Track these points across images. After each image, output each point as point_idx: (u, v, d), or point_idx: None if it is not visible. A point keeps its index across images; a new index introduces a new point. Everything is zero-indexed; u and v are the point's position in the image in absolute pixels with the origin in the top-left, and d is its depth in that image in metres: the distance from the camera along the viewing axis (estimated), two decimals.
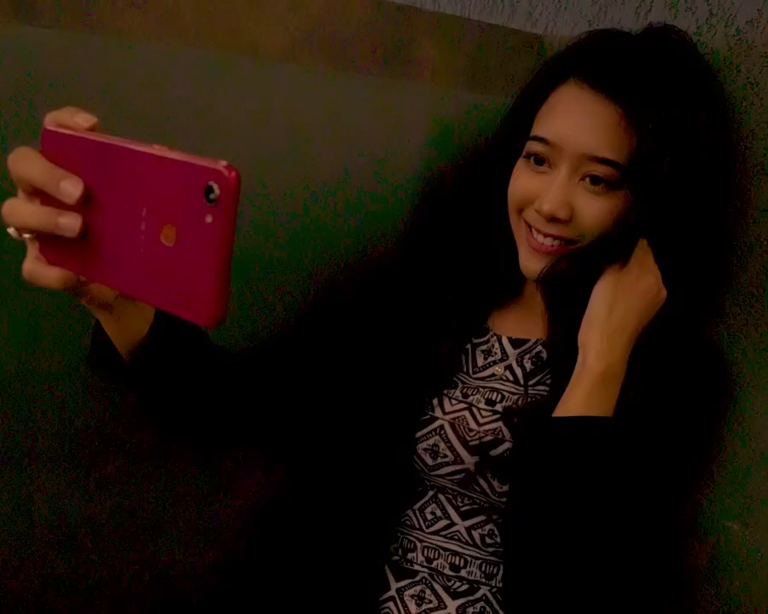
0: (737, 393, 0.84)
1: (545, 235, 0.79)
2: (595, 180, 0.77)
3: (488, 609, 0.81)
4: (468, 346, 0.88)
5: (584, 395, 0.72)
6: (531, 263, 0.81)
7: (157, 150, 0.48)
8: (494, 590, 0.82)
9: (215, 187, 0.44)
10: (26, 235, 0.54)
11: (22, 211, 0.52)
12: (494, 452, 0.79)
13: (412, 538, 0.85)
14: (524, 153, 0.82)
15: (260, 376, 0.85)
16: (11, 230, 0.54)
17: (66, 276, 0.54)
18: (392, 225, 1.04)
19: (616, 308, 0.74)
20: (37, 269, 0.54)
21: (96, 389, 0.94)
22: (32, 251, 0.55)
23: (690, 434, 0.80)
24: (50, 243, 0.54)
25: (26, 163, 0.52)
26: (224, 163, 0.44)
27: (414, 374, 0.85)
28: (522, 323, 0.88)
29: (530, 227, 0.81)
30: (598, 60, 0.78)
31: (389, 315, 0.90)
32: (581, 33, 0.85)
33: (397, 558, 0.85)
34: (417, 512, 0.86)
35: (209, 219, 0.44)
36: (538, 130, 0.81)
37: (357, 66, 1.02)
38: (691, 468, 0.83)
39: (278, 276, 0.99)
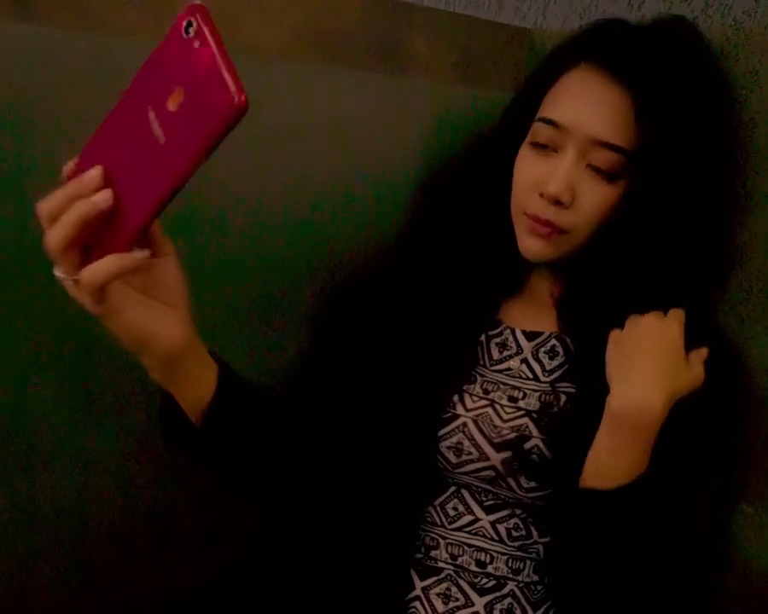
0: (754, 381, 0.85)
1: (543, 223, 0.79)
2: (601, 165, 0.77)
3: (516, 605, 0.81)
4: (483, 339, 0.87)
5: (611, 444, 0.73)
6: (527, 242, 0.81)
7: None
8: (521, 585, 0.82)
9: (190, 21, 0.49)
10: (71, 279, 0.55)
11: (59, 231, 0.54)
12: (521, 449, 0.79)
13: (435, 535, 0.84)
14: (529, 138, 0.82)
15: (309, 411, 0.85)
16: (60, 274, 0.56)
17: (115, 260, 0.54)
18: (388, 219, 1.04)
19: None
20: (91, 274, 0.54)
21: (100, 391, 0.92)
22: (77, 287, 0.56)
23: (712, 427, 0.81)
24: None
25: (50, 198, 0.54)
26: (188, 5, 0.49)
27: (432, 371, 0.84)
28: (532, 315, 0.88)
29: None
30: (610, 46, 0.78)
31: (399, 315, 0.89)
32: (591, 21, 0.85)
33: (420, 555, 0.84)
34: (439, 508, 0.85)
35: (197, 44, 0.49)
36: (547, 112, 0.80)
37: (352, 63, 1.02)
38: (716, 461, 0.84)
39: (275, 273, 0.98)
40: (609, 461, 0.73)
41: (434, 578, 0.83)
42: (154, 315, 0.60)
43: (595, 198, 0.78)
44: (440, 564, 0.83)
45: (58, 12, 0.81)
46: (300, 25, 0.96)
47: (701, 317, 0.82)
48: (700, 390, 0.75)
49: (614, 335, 0.77)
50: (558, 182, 0.77)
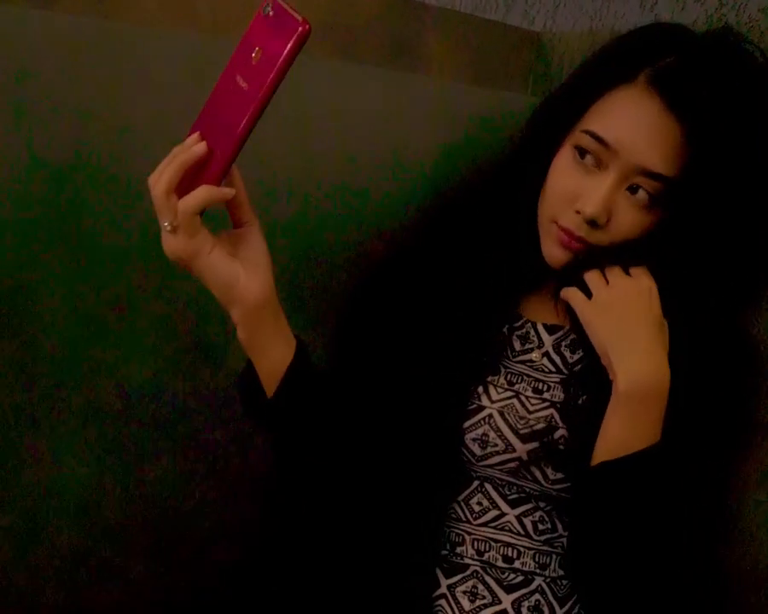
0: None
1: (576, 239, 0.78)
2: (641, 194, 0.76)
3: (543, 601, 0.80)
4: (505, 331, 0.87)
5: (623, 422, 0.73)
6: (554, 251, 0.80)
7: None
8: (548, 580, 0.81)
9: (265, 5, 0.64)
10: (170, 226, 0.66)
11: (163, 177, 0.65)
12: (548, 439, 0.78)
13: (460, 531, 0.83)
14: (574, 143, 0.79)
15: (350, 400, 0.86)
16: (164, 222, 0.66)
17: (206, 189, 0.65)
18: (400, 214, 1.03)
19: (618, 327, 0.75)
20: (187, 200, 0.65)
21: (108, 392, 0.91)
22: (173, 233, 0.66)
23: (730, 421, 0.81)
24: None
25: (159, 177, 0.65)
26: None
27: (457, 363, 0.83)
28: (552, 310, 0.87)
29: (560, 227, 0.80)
30: (672, 73, 0.75)
31: (421, 309, 0.88)
32: (647, 27, 0.83)
33: (445, 552, 0.83)
34: (463, 504, 0.84)
35: (272, 13, 0.64)
36: (596, 126, 0.77)
37: (366, 59, 1.02)
38: (733, 451, 0.84)
39: (285, 265, 0.98)
40: (623, 436, 0.73)
41: (460, 575, 0.81)
42: (238, 264, 0.70)
43: (631, 221, 0.77)
44: (466, 561, 0.82)
45: (78, 1, 0.80)
46: (316, 22, 0.96)
47: (732, 325, 0.83)
48: (725, 388, 0.77)
49: (584, 300, 0.78)
50: (597, 204, 0.76)
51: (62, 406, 0.89)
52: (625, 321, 0.75)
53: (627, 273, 0.78)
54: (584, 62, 0.84)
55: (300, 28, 0.61)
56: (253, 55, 0.64)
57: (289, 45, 0.61)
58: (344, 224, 1.00)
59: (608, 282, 0.78)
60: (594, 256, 0.79)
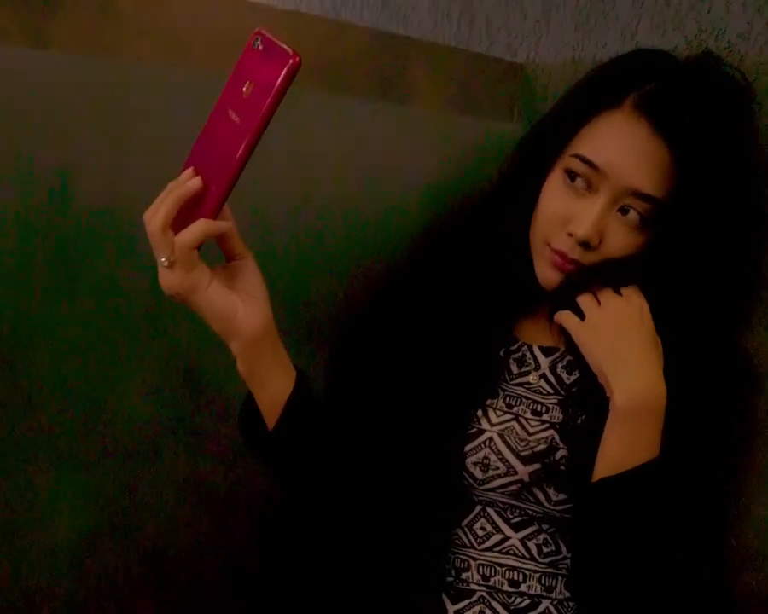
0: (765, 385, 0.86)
1: (570, 261, 0.79)
2: (632, 215, 0.78)
3: None
4: (502, 354, 0.87)
5: (621, 438, 0.74)
6: (548, 273, 0.82)
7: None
8: (555, 602, 0.80)
9: (254, 40, 0.65)
10: (167, 261, 0.66)
11: (159, 213, 0.65)
12: (550, 460, 0.79)
13: (465, 557, 0.83)
14: (564, 166, 0.81)
15: (350, 429, 0.86)
16: (160, 257, 0.66)
17: (202, 223, 0.66)
18: (392, 244, 1.04)
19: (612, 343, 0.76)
20: (184, 235, 0.65)
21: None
22: (170, 269, 0.67)
23: (722, 435, 0.82)
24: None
25: (155, 212, 0.66)
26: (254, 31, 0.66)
27: (456, 387, 0.83)
28: (546, 332, 0.88)
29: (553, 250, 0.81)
30: (658, 97, 0.77)
31: (417, 335, 0.88)
32: (631, 54, 0.85)
33: (451, 579, 0.82)
34: (467, 529, 0.83)
35: (261, 47, 0.65)
36: (585, 150, 0.79)
37: (355, 92, 1.03)
38: (731, 467, 0.85)
39: (276, 294, 0.98)
40: (622, 452, 0.74)
41: (467, 601, 0.81)
42: (236, 296, 0.70)
43: (622, 242, 0.79)
44: (472, 587, 0.81)
45: (73, 41, 0.81)
46: (305, 56, 0.98)
47: (727, 342, 0.84)
48: (720, 404, 0.77)
49: (577, 323, 0.79)
50: (589, 226, 0.77)
51: (60, 447, 0.88)
52: (618, 339, 0.76)
53: (618, 293, 0.79)
54: (571, 89, 0.86)
55: (291, 60, 0.62)
56: (245, 88, 0.65)
57: (281, 77, 0.62)
58: (335, 254, 1.01)
59: (599, 303, 0.79)
60: (586, 278, 0.80)
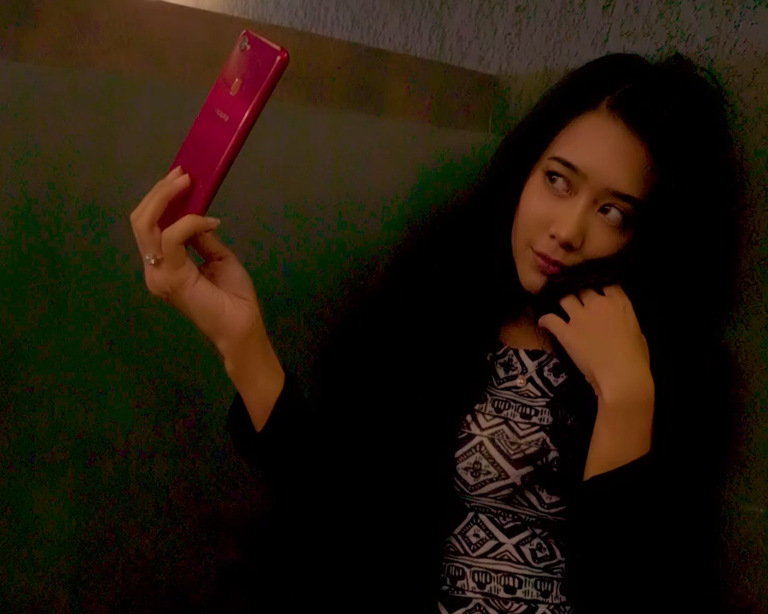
0: (751, 383, 0.87)
1: (552, 263, 0.80)
2: (613, 214, 0.79)
3: None
4: (488, 358, 0.87)
5: (612, 435, 0.74)
6: (531, 277, 0.82)
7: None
8: (552, 607, 0.80)
9: (242, 40, 0.66)
10: (153, 259, 0.66)
11: (147, 210, 0.65)
12: (542, 462, 0.78)
13: (459, 565, 0.81)
14: (544, 169, 0.81)
15: (339, 435, 0.85)
16: (147, 256, 0.66)
17: (190, 218, 0.65)
18: (372, 252, 1.04)
19: (596, 342, 0.77)
20: (171, 231, 0.65)
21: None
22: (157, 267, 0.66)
23: (710, 430, 0.82)
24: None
25: (141, 213, 0.66)
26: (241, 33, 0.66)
27: (444, 393, 0.83)
28: (532, 336, 0.88)
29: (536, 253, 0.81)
30: (633, 97, 0.78)
31: (403, 343, 0.88)
32: (605, 57, 0.87)
33: (446, 587, 0.81)
34: (460, 536, 0.82)
35: (249, 47, 0.65)
36: (563, 153, 0.80)
37: (333, 104, 1.03)
38: (715, 465, 0.85)
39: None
40: (614, 449, 0.74)
41: (462, 609, 0.80)
42: (224, 294, 0.70)
43: (603, 242, 0.79)
44: (468, 594, 0.80)
45: (50, 53, 0.80)
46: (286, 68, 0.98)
47: (706, 334, 0.85)
48: (704, 399, 0.78)
49: (562, 325, 0.79)
50: (572, 227, 0.78)
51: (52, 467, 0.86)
52: (604, 337, 0.76)
53: (601, 293, 0.80)
54: (548, 93, 0.87)
55: (279, 57, 0.63)
56: (232, 87, 0.65)
57: (271, 72, 0.63)
58: (314, 264, 1.00)
59: (583, 304, 0.79)
60: (568, 280, 0.81)
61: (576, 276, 0.80)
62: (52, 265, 0.82)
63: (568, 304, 0.80)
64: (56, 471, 0.86)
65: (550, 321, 0.81)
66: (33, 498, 0.85)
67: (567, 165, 0.79)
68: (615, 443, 0.74)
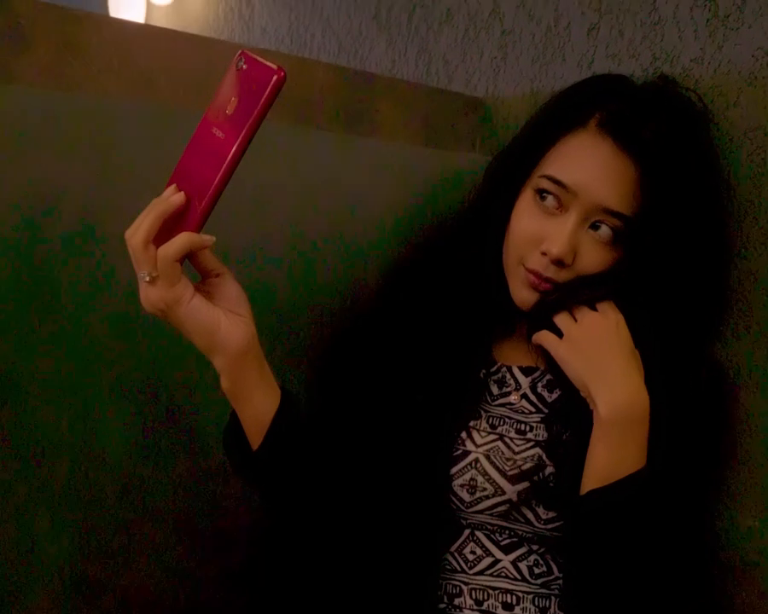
0: (743, 397, 0.87)
1: (544, 280, 0.80)
2: (603, 230, 0.79)
3: None
4: (482, 375, 0.87)
5: (608, 449, 0.74)
6: (524, 294, 0.82)
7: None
8: None
9: (238, 60, 0.66)
10: (148, 276, 0.65)
11: (142, 228, 0.65)
12: (538, 477, 0.78)
13: (456, 582, 0.81)
14: (534, 187, 0.82)
15: (335, 453, 0.84)
16: (142, 274, 0.66)
17: (185, 236, 0.65)
18: (360, 273, 1.04)
19: (590, 357, 0.77)
20: (167, 248, 0.64)
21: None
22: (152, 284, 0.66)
23: (703, 443, 0.83)
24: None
25: (136, 230, 0.65)
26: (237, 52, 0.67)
27: (438, 411, 0.83)
28: (524, 352, 0.88)
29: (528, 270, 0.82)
30: (621, 115, 0.79)
31: (396, 361, 0.88)
32: (594, 77, 0.89)
33: (443, 605, 0.80)
34: (456, 554, 0.82)
35: (245, 67, 0.65)
36: (554, 171, 0.81)
37: (323, 127, 1.04)
38: (709, 478, 0.85)
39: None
40: (610, 463, 0.74)
41: None
42: (219, 311, 0.69)
43: (594, 259, 0.80)
44: (466, 612, 0.80)
45: (40, 77, 0.80)
46: None
47: (699, 352, 0.85)
48: (694, 405, 0.79)
49: (556, 341, 0.79)
50: (563, 244, 0.78)
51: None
52: (598, 353, 0.77)
53: (594, 309, 0.80)
54: (537, 113, 0.88)
55: (276, 76, 0.63)
56: (228, 106, 0.65)
57: (267, 91, 0.63)
58: (302, 285, 1.00)
59: (576, 320, 0.80)
60: (561, 296, 0.81)
61: (568, 293, 0.81)
62: (46, 285, 0.81)
63: (561, 320, 0.80)
64: (49, 483, 0.85)
65: (544, 337, 0.81)
66: (29, 511, 0.84)
67: (557, 182, 0.80)
68: (611, 457, 0.74)
